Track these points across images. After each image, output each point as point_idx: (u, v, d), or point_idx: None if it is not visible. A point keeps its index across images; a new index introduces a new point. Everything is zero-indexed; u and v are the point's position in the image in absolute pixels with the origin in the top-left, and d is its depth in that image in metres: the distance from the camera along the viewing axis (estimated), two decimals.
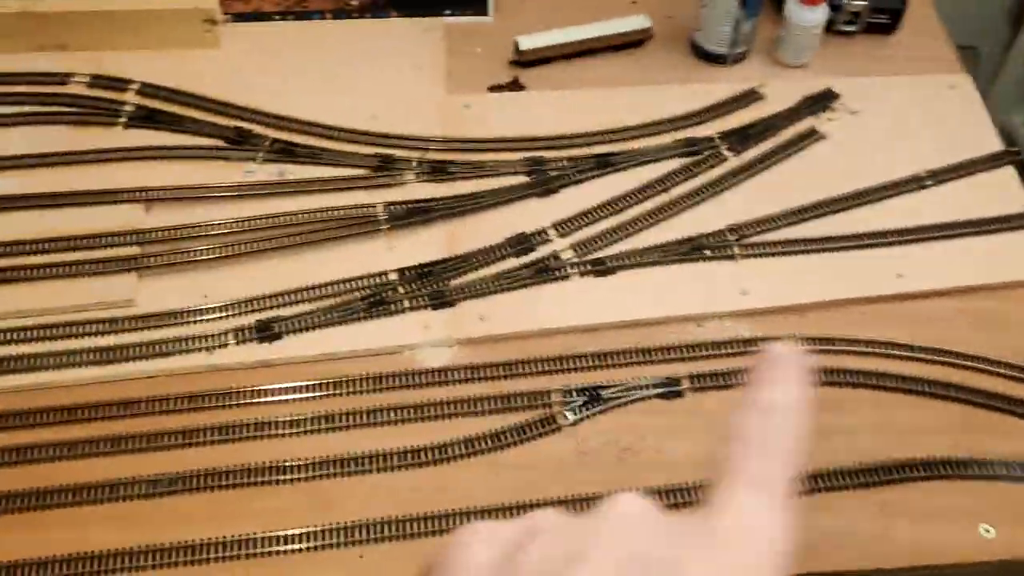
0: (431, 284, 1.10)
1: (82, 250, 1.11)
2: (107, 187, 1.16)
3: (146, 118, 1.24)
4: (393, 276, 1.11)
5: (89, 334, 1.04)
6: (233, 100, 1.27)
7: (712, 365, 1.05)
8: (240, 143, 1.22)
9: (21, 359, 1.02)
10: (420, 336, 1.06)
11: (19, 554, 0.88)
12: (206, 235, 1.13)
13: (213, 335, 1.05)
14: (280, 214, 1.15)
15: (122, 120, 1.24)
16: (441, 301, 1.09)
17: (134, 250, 1.11)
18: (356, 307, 1.08)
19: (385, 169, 1.21)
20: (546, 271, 1.12)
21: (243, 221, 1.14)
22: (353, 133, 1.24)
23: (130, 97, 1.27)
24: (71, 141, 1.21)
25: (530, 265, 1.13)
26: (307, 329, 1.06)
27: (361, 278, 1.11)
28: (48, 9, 1.27)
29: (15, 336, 1.03)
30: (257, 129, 1.24)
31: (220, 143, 1.23)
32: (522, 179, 1.21)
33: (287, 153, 1.22)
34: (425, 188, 1.19)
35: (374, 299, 1.08)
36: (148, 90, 1.27)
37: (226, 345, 1.05)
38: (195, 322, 1.07)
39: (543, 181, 1.21)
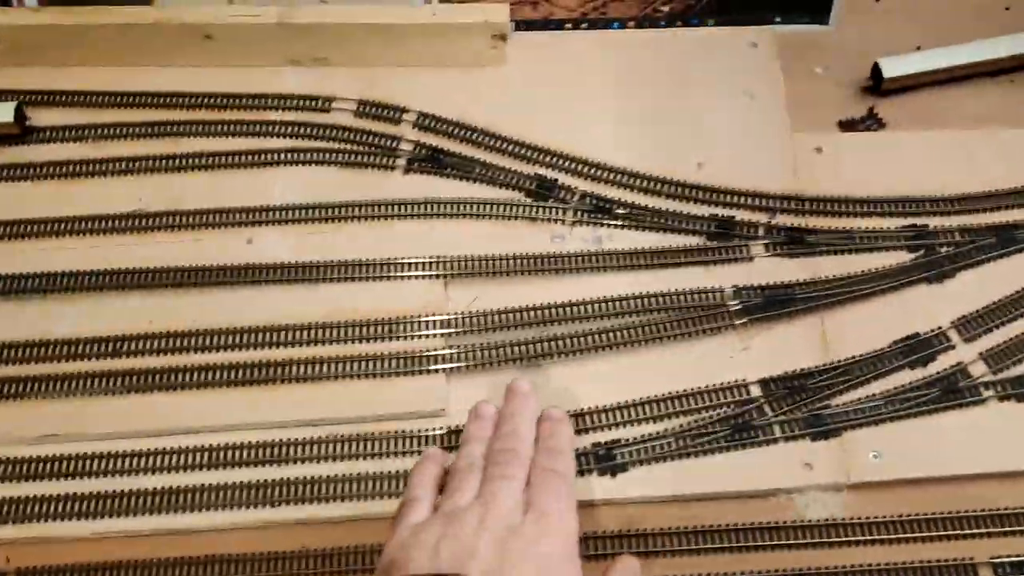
0: (806, 403, 0.90)
1: (379, 339, 0.93)
2: (393, 253, 0.98)
3: (428, 159, 1.05)
4: (755, 390, 0.91)
5: (385, 453, 0.88)
6: (527, 137, 1.06)
7: None
8: (543, 196, 1.02)
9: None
10: (800, 476, 0.87)
11: None
12: (518, 323, 0.94)
13: None
14: (609, 299, 0.95)
15: (401, 162, 1.05)
16: (822, 429, 0.88)
17: (439, 343, 0.93)
18: (715, 432, 0.88)
19: (724, 238, 0.99)
20: (952, 392, 0.90)
21: (561, 307, 0.95)
22: (682, 187, 1.02)
23: (407, 131, 1.07)
24: (340, 188, 1.02)
25: (931, 382, 0.90)
26: (654, 460, 0.87)
27: (716, 391, 0.91)
28: (309, 21, 1.08)
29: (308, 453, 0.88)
30: (562, 178, 1.04)
31: (519, 196, 1.03)
32: (902, 256, 0.98)
33: (602, 212, 1.01)
34: (779, 266, 0.98)
35: (738, 422, 0.88)
36: (426, 122, 1.08)
37: None
38: None
39: (933, 261, 0.98)
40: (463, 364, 0.92)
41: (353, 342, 0.93)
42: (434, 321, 0.95)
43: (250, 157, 1.06)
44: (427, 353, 0.93)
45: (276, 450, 0.88)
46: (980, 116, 1.06)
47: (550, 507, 0.63)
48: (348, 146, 1.07)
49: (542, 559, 0.58)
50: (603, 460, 0.88)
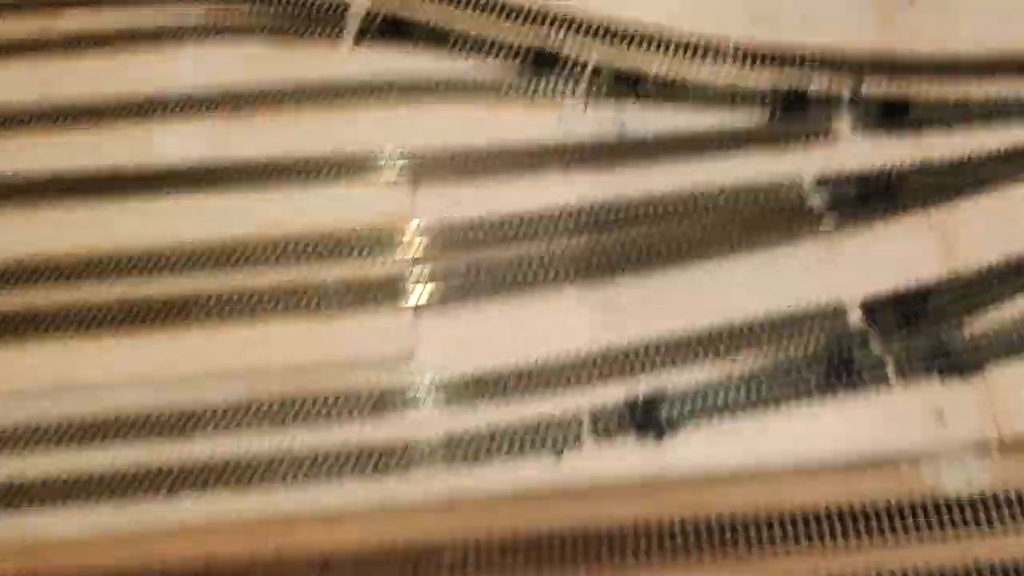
0: (927, 331, 0.63)
1: (323, 263, 0.67)
2: (340, 149, 0.71)
3: (386, 30, 0.78)
4: (854, 316, 0.64)
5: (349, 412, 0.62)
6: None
7: None
8: (545, 70, 0.75)
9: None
10: (927, 433, 0.60)
11: None
12: (512, 237, 0.68)
13: (558, 423, 0.61)
14: (639, 200, 0.68)
15: (349, 33, 0.78)
16: (955, 364, 0.62)
17: (404, 266, 0.67)
18: (802, 376, 0.62)
19: (795, 112, 0.72)
20: None
21: (572, 213, 0.68)
22: (733, 51, 0.75)
23: None
24: (270, 67, 0.77)
25: None
26: (715, 416, 0.61)
27: (799, 319, 0.64)
28: None
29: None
30: (569, 47, 0.77)
31: (513, 71, 0.76)
32: None
33: (625, 86, 0.74)
34: (875, 148, 0.70)
35: (832, 361, 0.62)
36: None
37: (577, 438, 0.60)
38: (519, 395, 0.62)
39: None
40: (437, 294, 0.65)
41: (289, 267, 0.67)
42: (398, 237, 0.68)
43: (149, 32, 0.78)
44: (388, 279, 0.66)
45: (178, 420, 0.61)
46: None
47: None
48: (278, 11, 0.79)
49: None
50: (641, 418, 0.61)
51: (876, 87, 0.75)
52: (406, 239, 0.69)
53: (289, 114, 0.76)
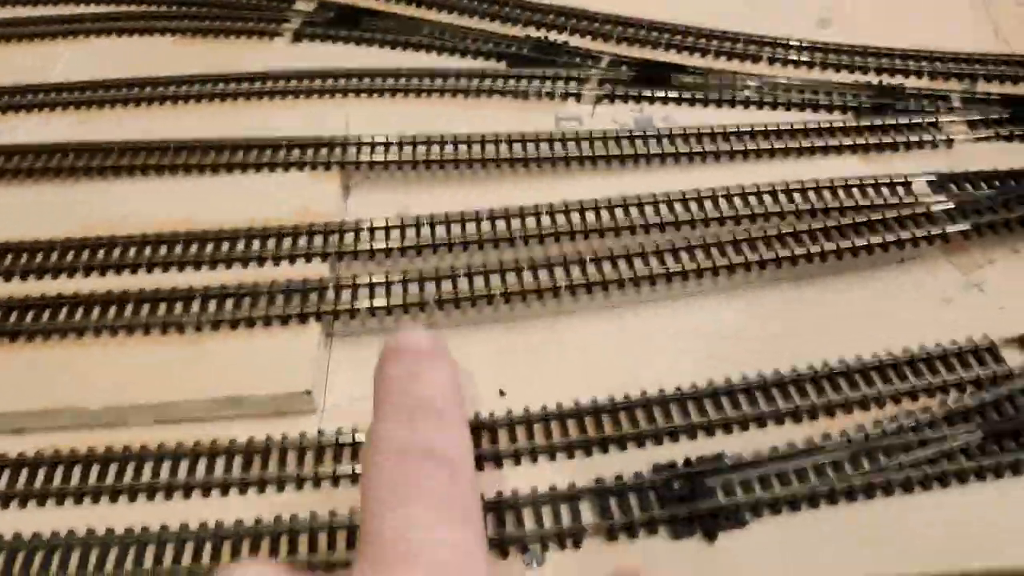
0: None
1: (210, 265, 0.45)
2: (268, 137, 0.51)
3: (338, 21, 0.60)
4: (1015, 358, 0.40)
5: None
6: None
7: None
8: (542, 64, 0.56)
9: None
10: None
11: None
12: (475, 240, 0.46)
13: (548, 498, 0.36)
14: (679, 198, 0.47)
15: (291, 26, 0.60)
16: None
17: (324, 271, 0.44)
18: (941, 441, 0.37)
19: (881, 113, 0.52)
20: None
21: (593, 230, 0.47)
22: (790, 45, 0.57)
23: None
24: (202, 60, 0.61)
25: None
26: (805, 503, 0.35)
27: (924, 360, 0.40)
28: None
29: None
30: (574, 41, 0.58)
31: (497, 66, 0.57)
32: None
33: (652, 81, 0.55)
34: (1006, 151, 0.50)
35: (991, 421, 0.37)
36: None
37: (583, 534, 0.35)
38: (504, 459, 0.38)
39: None
40: (358, 310, 0.43)
41: (165, 269, 0.45)
42: (314, 234, 0.46)
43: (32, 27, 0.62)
44: (296, 288, 0.43)
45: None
46: None
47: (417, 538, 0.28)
48: (214, 10, 0.62)
49: None
50: (681, 499, 0.36)
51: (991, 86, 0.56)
52: (325, 234, 0.47)
53: (217, 105, 0.56)
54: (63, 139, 0.54)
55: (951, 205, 0.47)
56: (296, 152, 0.52)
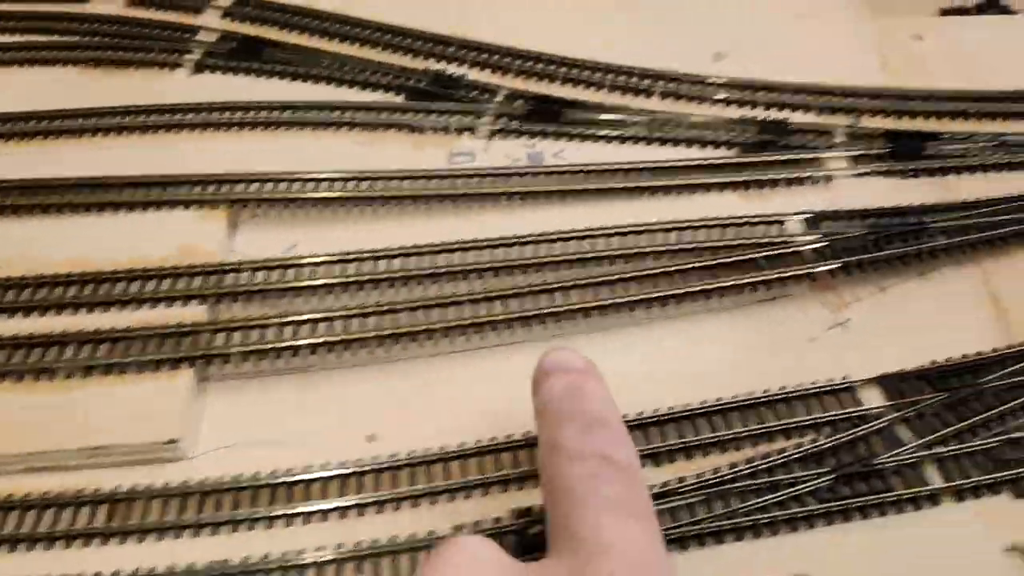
0: (982, 424, 0.40)
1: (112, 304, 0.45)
2: (166, 174, 0.53)
3: (239, 53, 0.60)
4: (872, 397, 0.42)
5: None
6: (420, 23, 0.62)
7: None
8: (439, 98, 0.57)
9: None
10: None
11: None
12: (378, 283, 0.47)
13: (407, 547, 0.37)
14: (568, 232, 0.48)
15: (192, 56, 0.60)
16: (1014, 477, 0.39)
17: (200, 314, 0.45)
18: (800, 483, 0.38)
19: (765, 149, 0.53)
20: None
21: (473, 270, 0.48)
22: (694, 83, 0.58)
23: (208, 20, 0.63)
24: (99, 93, 0.60)
25: None
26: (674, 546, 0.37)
27: (788, 399, 0.42)
28: None
29: None
30: (472, 74, 0.59)
31: (396, 99, 0.58)
32: None
33: (545, 116, 0.56)
34: (883, 189, 0.51)
35: (847, 465, 0.39)
36: (242, 8, 0.64)
37: None
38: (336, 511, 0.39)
39: None
40: (235, 353, 0.43)
41: (42, 313, 0.46)
42: (194, 275, 0.46)
43: None
44: (170, 332, 0.44)
45: None
46: None
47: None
48: (118, 40, 0.62)
49: None
50: (536, 546, 0.38)
51: (875, 122, 0.57)
52: (204, 274, 0.48)
53: (112, 139, 0.57)
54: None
55: (821, 244, 0.49)
56: (184, 189, 0.52)
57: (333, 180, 0.53)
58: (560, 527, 0.34)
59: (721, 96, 0.59)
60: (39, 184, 0.53)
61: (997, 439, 0.42)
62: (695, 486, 0.40)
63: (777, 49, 0.63)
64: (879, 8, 0.66)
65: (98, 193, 0.53)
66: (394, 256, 0.49)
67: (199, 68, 0.62)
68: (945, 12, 0.67)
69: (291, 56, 0.63)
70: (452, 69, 0.61)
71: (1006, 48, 0.63)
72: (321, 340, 0.45)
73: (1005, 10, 0.68)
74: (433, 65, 0.62)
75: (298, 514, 0.40)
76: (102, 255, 0.49)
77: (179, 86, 0.61)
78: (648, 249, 0.49)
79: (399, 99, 0.60)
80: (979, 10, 0.67)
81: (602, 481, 0.34)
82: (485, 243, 0.49)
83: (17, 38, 0.65)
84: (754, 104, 0.58)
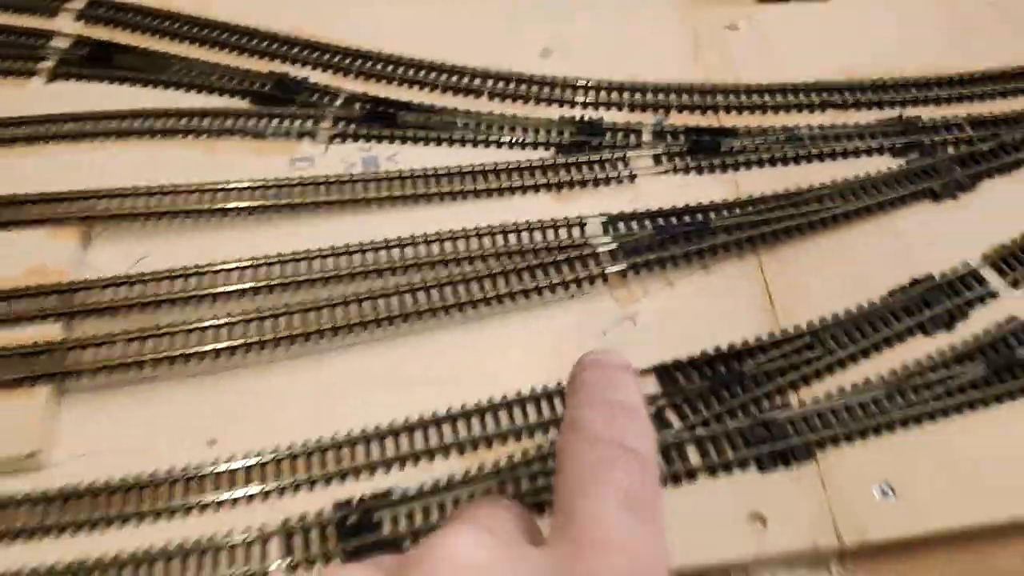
0: (746, 405, 0.48)
1: None
2: (13, 193, 0.56)
3: (92, 59, 0.64)
4: (649, 386, 0.49)
5: None
6: (263, 23, 0.66)
7: None
8: (282, 102, 0.61)
9: None
10: (745, 541, 0.45)
11: None
12: (218, 296, 0.52)
13: (242, 542, 0.43)
14: (388, 242, 0.54)
15: (46, 65, 0.63)
16: (779, 449, 0.47)
17: (56, 332, 0.50)
18: None
19: (580, 149, 0.59)
20: (1006, 369, 0.50)
21: (293, 259, 0.53)
22: (519, 82, 0.63)
23: (63, 23, 0.66)
24: None
25: (967, 354, 0.50)
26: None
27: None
28: None
29: None
30: (316, 76, 0.63)
31: (241, 104, 0.62)
32: (885, 161, 0.59)
33: (379, 120, 0.61)
34: (680, 187, 0.58)
35: None
36: (95, 10, 0.67)
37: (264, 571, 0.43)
38: (195, 507, 0.45)
39: (935, 166, 0.59)
40: (92, 369, 0.48)
41: None
42: (47, 294, 0.51)
43: None
44: (25, 351, 0.49)
45: None
46: None
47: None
48: None
49: None
50: (353, 533, 0.44)
51: (684, 120, 0.63)
52: (58, 292, 0.53)
53: None
54: None
55: (615, 246, 0.55)
56: (36, 208, 0.57)
57: (178, 193, 0.57)
58: (558, 508, 0.33)
59: (545, 94, 0.64)
60: None
61: (750, 421, 0.49)
62: (492, 475, 0.47)
63: (601, 44, 0.68)
64: None
65: None
66: (231, 270, 0.54)
67: (53, 76, 0.65)
68: None
69: (140, 61, 0.66)
70: (295, 71, 0.66)
71: (812, 37, 0.69)
72: (164, 355, 0.51)
73: None
74: (278, 67, 0.66)
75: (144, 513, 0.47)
76: None
77: (33, 96, 0.64)
78: (464, 254, 0.55)
79: (244, 103, 0.64)
80: None
81: (615, 467, 0.33)
82: (316, 253, 0.55)
83: None
84: (573, 103, 0.64)
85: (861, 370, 0.51)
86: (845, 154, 0.60)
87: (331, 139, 0.62)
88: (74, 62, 0.66)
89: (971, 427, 0.49)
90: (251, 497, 0.47)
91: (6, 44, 0.67)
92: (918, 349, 0.52)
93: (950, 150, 0.61)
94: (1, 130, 0.62)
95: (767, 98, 0.64)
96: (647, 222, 0.56)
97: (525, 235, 0.56)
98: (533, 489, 0.46)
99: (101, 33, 0.68)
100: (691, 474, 0.48)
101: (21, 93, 0.64)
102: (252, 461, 0.48)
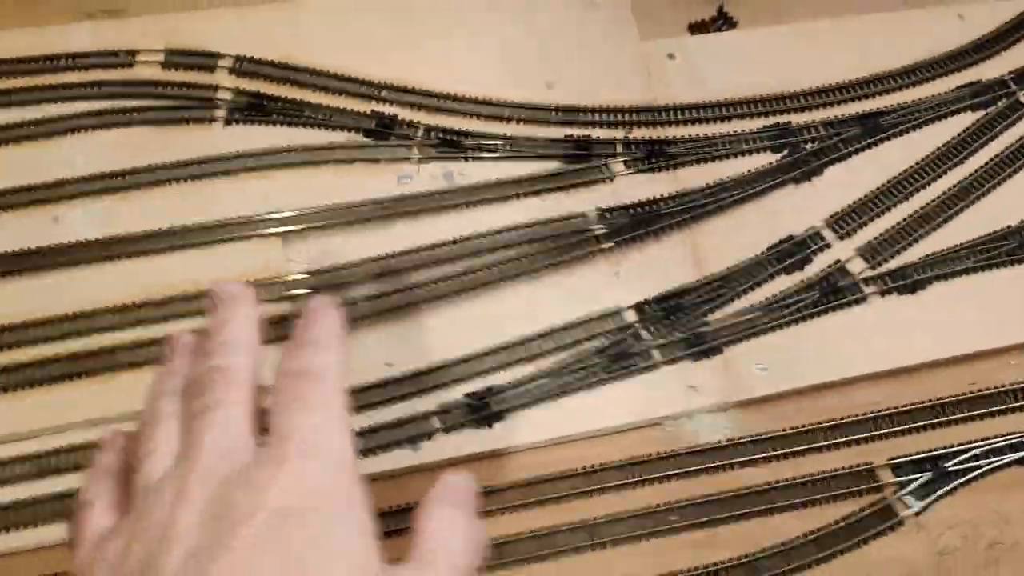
0: (684, 323, 0.87)
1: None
2: (218, 216, 0.90)
3: (251, 107, 0.97)
4: (630, 315, 0.88)
5: None
6: (358, 72, 0.99)
7: None
8: (385, 135, 0.96)
9: None
10: (685, 401, 0.84)
11: None
12: (370, 276, 0.89)
13: (414, 420, 0.82)
14: (466, 237, 0.90)
15: (221, 114, 0.97)
16: (703, 348, 0.86)
17: (284, 308, 0.87)
18: (592, 365, 0.85)
19: (582, 159, 0.95)
20: (833, 292, 0.89)
21: (413, 252, 0.90)
22: (533, 110, 0.98)
23: (223, 79, 0.99)
24: (152, 150, 0.93)
25: (810, 285, 0.89)
26: (532, 403, 0.83)
27: (588, 322, 0.87)
28: None
29: None
30: (404, 114, 0.98)
31: (359, 138, 0.97)
32: (768, 157, 0.96)
33: (450, 145, 0.96)
34: (642, 183, 0.94)
35: (614, 352, 0.85)
36: (246, 67, 1.00)
37: (431, 435, 0.82)
38: (384, 403, 0.84)
39: (799, 159, 0.96)
40: None
41: (183, 319, 0.86)
42: (276, 284, 0.88)
43: (46, 126, 0.96)
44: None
45: None
46: (844, 4, 1.03)
47: (296, 425, 0.42)
48: (158, 102, 0.97)
49: (281, 506, 0.39)
50: (477, 411, 0.83)
51: (642, 133, 0.99)
52: (282, 283, 0.89)
53: (173, 189, 0.94)
54: (106, 228, 0.92)
55: (605, 229, 0.92)
56: (237, 227, 0.92)
57: (326, 209, 0.93)
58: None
59: (552, 118, 1.00)
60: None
61: (687, 332, 0.88)
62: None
63: (587, 77, 1.02)
64: (647, 32, 1.05)
65: (184, 236, 0.92)
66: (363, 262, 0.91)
67: (228, 121, 0.99)
68: (691, 27, 1.07)
69: (284, 107, 1.00)
70: (388, 110, 1.00)
71: (730, 62, 1.03)
72: None
73: (734, 25, 1.07)
74: (376, 107, 1.00)
75: None
76: (193, 281, 0.89)
77: (217, 138, 0.98)
78: (511, 242, 0.92)
79: (359, 137, 0.99)
80: (716, 27, 1.07)
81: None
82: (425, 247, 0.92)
83: (88, 105, 1.01)
84: (572, 124, 0.99)
85: (749, 299, 0.90)
86: (743, 153, 0.97)
87: (420, 161, 0.97)
88: (240, 109, 0.99)
89: (812, 329, 0.88)
90: None
91: (190, 97, 1.00)
92: (783, 284, 0.90)
93: (809, 146, 0.97)
94: (199, 166, 0.96)
95: (695, 113, 0.99)
96: (625, 211, 0.93)
97: (547, 227, 0.92)
98: None
99: (251, 85, 1.00)
100: (655, 366, 0.87)
101: (209, 135, 0.98)
102: None
